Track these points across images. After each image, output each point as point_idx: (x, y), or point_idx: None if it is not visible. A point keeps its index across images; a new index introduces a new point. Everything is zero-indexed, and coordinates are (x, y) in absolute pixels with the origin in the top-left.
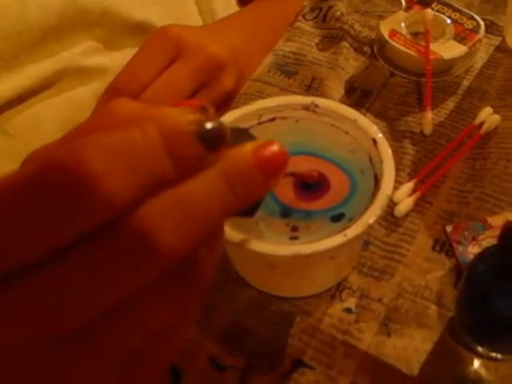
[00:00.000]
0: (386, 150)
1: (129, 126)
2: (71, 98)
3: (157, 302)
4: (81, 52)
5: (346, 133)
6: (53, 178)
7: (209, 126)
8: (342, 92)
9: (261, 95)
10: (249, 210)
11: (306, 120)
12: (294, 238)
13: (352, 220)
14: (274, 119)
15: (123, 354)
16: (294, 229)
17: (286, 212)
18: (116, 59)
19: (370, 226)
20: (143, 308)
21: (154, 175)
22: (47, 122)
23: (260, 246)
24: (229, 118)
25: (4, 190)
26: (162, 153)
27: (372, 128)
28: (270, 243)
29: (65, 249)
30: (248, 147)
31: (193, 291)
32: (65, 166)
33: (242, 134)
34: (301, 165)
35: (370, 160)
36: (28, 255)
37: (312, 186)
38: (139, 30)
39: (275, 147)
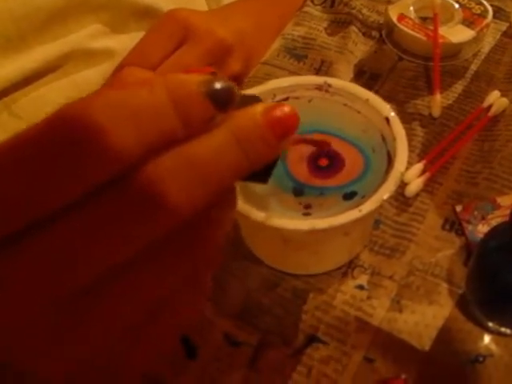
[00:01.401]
0: (398, 128)
1: (136, 86)
2: (77, 80)
3: (163, 264)
4: (87, 35)
5: (358, 112)
6: (59, 132)
7: (218, 85)
8: (351, 76)
9: (270, 78)
10: (261, 175)
11: (318, 99)
12: (306, 215)
13: (364, 198)
14: (287, 99)
15: (128, 320)
16: (307, 206)
17: (299, 189)
18: (122, 42)
19: (382, 205)
20: (147, 271)
21: (162, 133)
22: (53, 104)
23: (276, 220)
24: None
25: (9, 147)
26: (169, 111)
27: (385, 107)
28: (285, 218)
29: (67, 207)
30: (258, 108)
31: (202, 256)
32: (71, 120)
33: (251, 99)
34: None
35: (383, 138)
36: (33, 213)
37: (326, 164)
38: (145, 13)
39: (286, 108)
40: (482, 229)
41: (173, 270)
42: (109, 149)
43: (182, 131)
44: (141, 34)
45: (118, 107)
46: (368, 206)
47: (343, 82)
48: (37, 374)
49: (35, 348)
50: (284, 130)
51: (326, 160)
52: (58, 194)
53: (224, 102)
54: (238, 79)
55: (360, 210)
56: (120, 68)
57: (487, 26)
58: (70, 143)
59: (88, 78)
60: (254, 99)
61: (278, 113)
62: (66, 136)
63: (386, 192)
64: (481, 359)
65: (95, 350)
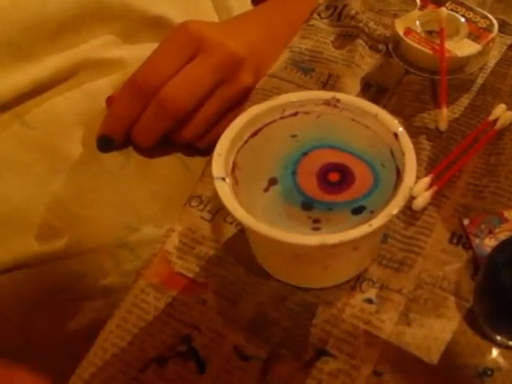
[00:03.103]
0: (407, 144)
1: None
2: (89, 90)
3: None
4: (99, 45)
5: (367, 127)
6: None
7: None
8: (358, 89)
9: (279, 92)
10: None
11: (327, 115)
12: (315, 229)
13: (373, 213)
14: (296, 114)
15: None
16: (316, 221)
17: (308, 204)
18: (134, 53)
19: (391, 219)
20: None
21: None
22: (65, 113)
23: (287, 235)
24: (253, 112)
25: None
26: None
27: (393, 122)
28: (295, 233)
29: None
30: None
31: None
32: None
33: None
34: (326, 157)
35: (392, 153)
36: None
37: (337, 179)
38: (156, 24)
39: None
40: (489, 242)
41: None
42: None
43: None
44: (152, 45)
45: None
46: (378, 221)
47: (352, 97)
48: None
49: None
50: None
51: (336, 175)
52: None
53: None
54: (249, 91)
55: (370, 225)
56: (131, 82)
57: (493, 39)
58: None
59: (100, 88)
60: None
61: None
62: None
63: (395, 207)
64: (489, 372)
65: None
